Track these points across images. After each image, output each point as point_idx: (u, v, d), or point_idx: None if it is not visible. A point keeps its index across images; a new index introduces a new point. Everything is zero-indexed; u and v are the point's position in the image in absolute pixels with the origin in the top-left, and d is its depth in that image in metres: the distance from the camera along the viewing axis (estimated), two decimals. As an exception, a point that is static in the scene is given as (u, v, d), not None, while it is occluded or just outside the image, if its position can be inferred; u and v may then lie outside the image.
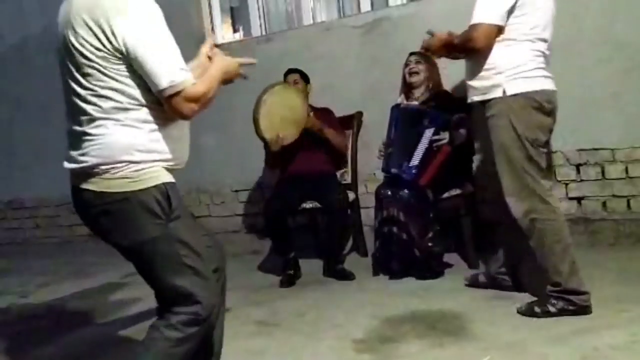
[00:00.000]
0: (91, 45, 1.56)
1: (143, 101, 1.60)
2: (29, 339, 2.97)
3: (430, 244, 3.14)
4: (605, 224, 3.40)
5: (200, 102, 1.62)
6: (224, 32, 5.00)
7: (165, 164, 1.66)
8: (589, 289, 2.41)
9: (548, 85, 2.45)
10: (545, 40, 2.45)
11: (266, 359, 2.38)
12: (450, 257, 3.39)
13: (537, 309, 2.43)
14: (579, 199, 3.46)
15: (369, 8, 4.20)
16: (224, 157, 4.54)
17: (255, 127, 3.38)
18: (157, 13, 1.59)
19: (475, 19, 2.42)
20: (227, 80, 1.78)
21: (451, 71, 3.36)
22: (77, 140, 1.63)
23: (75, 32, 1.57)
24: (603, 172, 3.39)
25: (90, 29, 1.55)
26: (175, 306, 1.66)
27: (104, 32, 1.54)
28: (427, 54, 2.94)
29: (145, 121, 1.61)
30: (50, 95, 5.01)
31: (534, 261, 2.49)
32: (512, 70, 2.40)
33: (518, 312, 2.48)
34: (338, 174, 3.80)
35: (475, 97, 2.55)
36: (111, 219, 1.62)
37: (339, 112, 3.79)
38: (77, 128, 1.62)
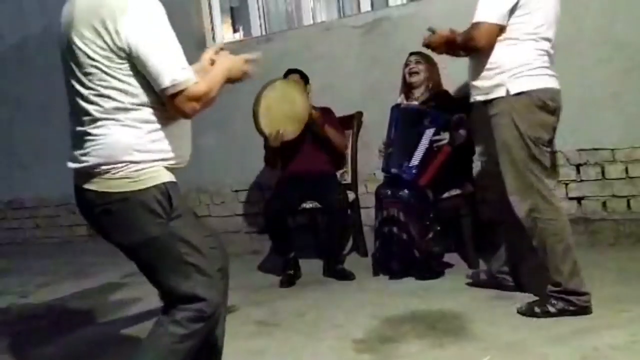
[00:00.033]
0: (95, 44, 1.57)
1: (145, 101, 1.61)
2: (29, 339, 2.97)
3: (430, 244, 3.15)
4: (605, 224, 3.40)
5: (202, 101, 1.63)
6: (224, 32, 5.00)
7: (166, 163, 1.67)
8: (590, 290, 2.41)
9: (552, 83, 2.45)
10: (549, 39, 2.45)
11: (266, 359, 2.38)
12: (450, 257, 3.39)
13: (536, 309, 2.43)
14: (579, 199, 3.46)
15: (369, 8, 4.20)
16: (224, 157, 4.54)
17: (255, 121, 3.36)
18: (160, 12, 1.60)
19: (477, 18, 2.41)
20: (232, 79, 1.78)
21: (451, 71, 3.36)
22: (79, 140, 1.64)
23: (79, 32, 1.58)
24: (603, 172, 3.39)
25: (95, 28, 1.56)
26: (180, 304, 1.67)
27: (108, 31, 1.55)
28: (429, 50, 2.89)
29: (146, 121, 1.62)
30: (50, 95, 5.06)
31: (536, 261, 2.49)
32: (515, 70, 2.40)
33: (518, 312, 2.48)
34: (338, 174, 3.80)
35: (478, 97, 2.54)
36: (112, 218, 1.63)
37: (339, 112, 3.79)
38: (80, 128, 1.64)
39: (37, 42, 5.31)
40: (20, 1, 5.47)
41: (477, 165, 3.60)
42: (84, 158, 1.62)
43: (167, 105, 1.61)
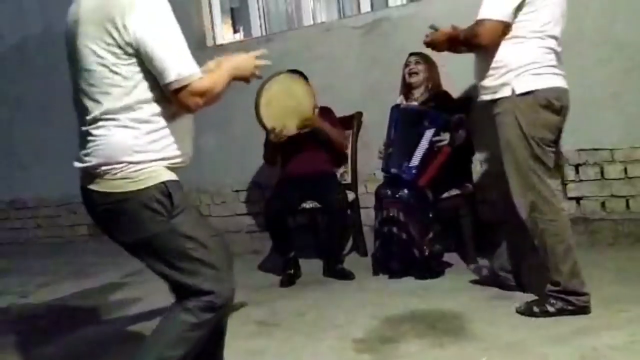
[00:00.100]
0: (102, 41, 1.59)
1: (147, 99, 1.63)
2: (29, 338, 2.97)
3: (430, 244, 3.15)
4: (604, 224, 3.40)
5: (206, 96, 1.64)
6: (224, 33, 5.00)
7: (166, 162, 1.68)
8: (589, 290, 2.41)
9: (558, 82, 2.42)
10: (555, 37, 2.42)
11: (266, 359, 2.38)
12: (450, 257, 3.39)
13: (535, 309, 2.43)
14: (578, 199, 3.47)
15: (369, 9, 4.21)
16: (224, 157, 4.55)
17: (257, 113, 3.31)
18: (167, 9, 1.62)
19: (481, 15, 2.39)
20: (240, 77, 1.79)
21: (451, 71, 3.36)
22: (83, 140, 1.68)
23: (86, 30, 1.61)
24: (602, 172, 3.40)
25: (103, 25, 1.58)
26: (191, 297, 1.68)
27: (116, 27, 1.57)
28: (429, 50, 2.87)
29: (145, 121, 1.64)
30: (50, 95, 5.08)
31: (538, 261, 2.50)
32: (521, 68, 2.38)
33: (517, 311, 2.48)
34: (338, 174, 3.81)
35: (485, 97, 2.52)
36: (115, 218, 1.67)
37: (339, 112, 3.79)
38: (83, 128, 1.67)
39: (37, 42, 5.31)
40: (20, 1, 5.48)
41: (476, 166, 3.61)
42: (86, 158, 1.66)
43: (171, 99, 1.63)
